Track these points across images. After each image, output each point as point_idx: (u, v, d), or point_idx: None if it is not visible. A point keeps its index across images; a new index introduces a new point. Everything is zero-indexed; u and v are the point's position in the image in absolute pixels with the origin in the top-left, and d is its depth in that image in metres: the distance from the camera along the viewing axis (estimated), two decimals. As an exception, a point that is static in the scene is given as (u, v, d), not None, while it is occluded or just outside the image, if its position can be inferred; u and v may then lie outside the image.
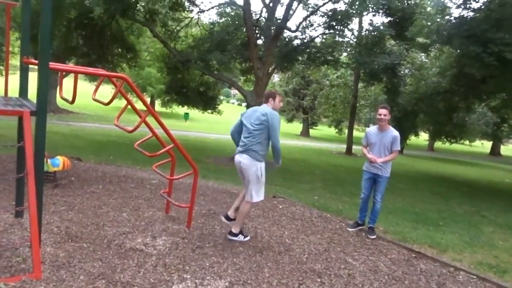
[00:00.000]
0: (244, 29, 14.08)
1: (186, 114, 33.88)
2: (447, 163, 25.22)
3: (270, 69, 14.49)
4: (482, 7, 10.81)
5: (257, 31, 14.40)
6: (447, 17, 11.74)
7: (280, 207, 6.37)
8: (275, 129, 4.29)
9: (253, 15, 14.42)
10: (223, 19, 15.80)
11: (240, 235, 4.50)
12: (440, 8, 11.90)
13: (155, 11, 14.61)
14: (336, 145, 28.49)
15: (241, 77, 20.27)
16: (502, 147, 43.88)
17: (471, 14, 11.11)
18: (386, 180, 5.36)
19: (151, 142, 4.53)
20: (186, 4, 15.55)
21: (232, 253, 4.07)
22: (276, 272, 3.75)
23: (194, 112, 28.00)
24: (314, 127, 47.24)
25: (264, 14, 14.65)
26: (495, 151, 42.05)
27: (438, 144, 35.45)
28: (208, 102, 20.81)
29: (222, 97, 34.70)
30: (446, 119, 17.70)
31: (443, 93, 15.47)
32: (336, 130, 40.14)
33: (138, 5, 14.10)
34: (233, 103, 79.73)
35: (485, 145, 45.34)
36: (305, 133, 40.85)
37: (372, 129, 5.48)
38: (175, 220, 4.93)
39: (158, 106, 37.11)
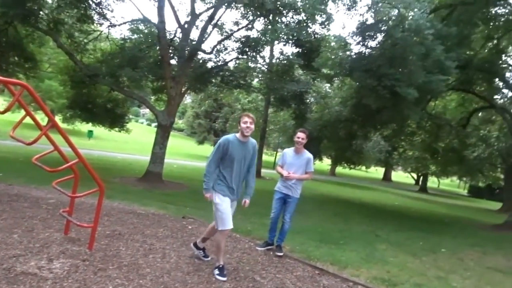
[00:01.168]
0: (158, 47, 13.87)
1: (90, 132, 31.98)
2: (347, 187, 27.06)
3: (183, 89, 14.42)
4: (378, 45, 12.03)
5: (171, 50, 14.26)
6: (348, 52, 12.81)
7: (190, 227, 6.26)
8: None
9: (168, 34, 14.26)
10: (136, 36, 15.36)
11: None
12: (342, 44, 12.94)
13: (60, 20, 13.67)
14: (246, 168, 29.03)
15: (152, 97, 19.74)
16: (393, 173, 48.46)
17: (369, 51, 12.28)
18: (296, 201, 5.59)
19: (51, 159, 4.19)
20: (96, 17, 14.83)
21: (138, 275, 3.88)
22: (184, 293, 3.65)
23: (100, 130, 26.52)
24: (225, 150, 47.61)
25: (179, 35, 14.60)
26: (387, 177, 46.29)
27: (339, 169, 37.91)
28: (115, 119, 19.98)
29: (131, 116, 33.46)
30: (347, 145, 19.04)
31: (344, 121, 16.64)
32: (246, 154, 40.88)
33: (41, 12, 13.06)
34: (142, 123, 77.31)
35: (378, 171, 49.65)
36: (215, 156, 40.92)
37: (289, 150, 5.71)
38: (75, 241, 4.56)
39: (59, 122, 34.50)
